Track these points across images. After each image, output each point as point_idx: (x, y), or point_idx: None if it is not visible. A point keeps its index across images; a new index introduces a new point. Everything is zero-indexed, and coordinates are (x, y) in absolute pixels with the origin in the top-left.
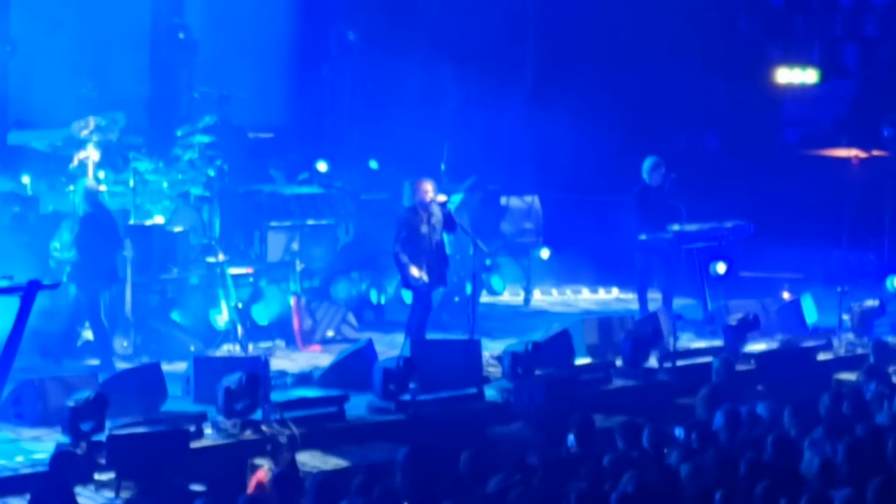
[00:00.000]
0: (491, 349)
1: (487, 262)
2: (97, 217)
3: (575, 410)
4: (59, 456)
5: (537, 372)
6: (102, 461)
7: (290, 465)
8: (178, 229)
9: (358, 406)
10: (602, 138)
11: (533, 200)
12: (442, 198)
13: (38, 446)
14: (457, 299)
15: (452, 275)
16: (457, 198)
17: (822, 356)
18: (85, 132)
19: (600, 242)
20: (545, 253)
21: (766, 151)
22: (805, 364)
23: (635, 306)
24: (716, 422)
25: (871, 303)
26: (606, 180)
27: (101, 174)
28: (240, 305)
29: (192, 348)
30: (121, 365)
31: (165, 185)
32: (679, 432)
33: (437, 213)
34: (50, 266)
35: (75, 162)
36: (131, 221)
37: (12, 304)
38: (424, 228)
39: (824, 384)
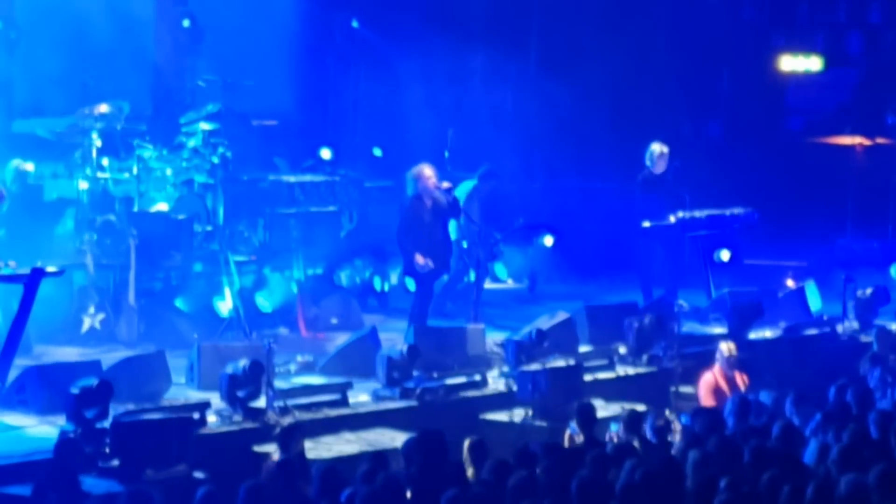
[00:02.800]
0: (494, 336)
1: None
2: (25, 198)
3: (578, 398)
4: (64, 443)
5: (541, 360)
6: (106, 448)
7: (296, 452)
8: (181, 217)
9: (361, 393)
10: (606, 126)
11: (536, 187)
12: (446, 184)
13: (42, 434)
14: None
15: (456, 261)
16: (469, 184)
17: (823, 344)
18: (89, 120)
19: (604, 229)
20: (549, 240)
21: (770, 139)
22: (809, 352)
23: (639, 294)
24: (725, 408)
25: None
26: (610, 167)
27: (105, 161)
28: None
29: (196, 336)
30: (125, 352)
31: (169, 172)
32: (684, 420)
33: (442, 199)
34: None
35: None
36: (135, 209)
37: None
38: (428, 216)
39: (828, 372)
